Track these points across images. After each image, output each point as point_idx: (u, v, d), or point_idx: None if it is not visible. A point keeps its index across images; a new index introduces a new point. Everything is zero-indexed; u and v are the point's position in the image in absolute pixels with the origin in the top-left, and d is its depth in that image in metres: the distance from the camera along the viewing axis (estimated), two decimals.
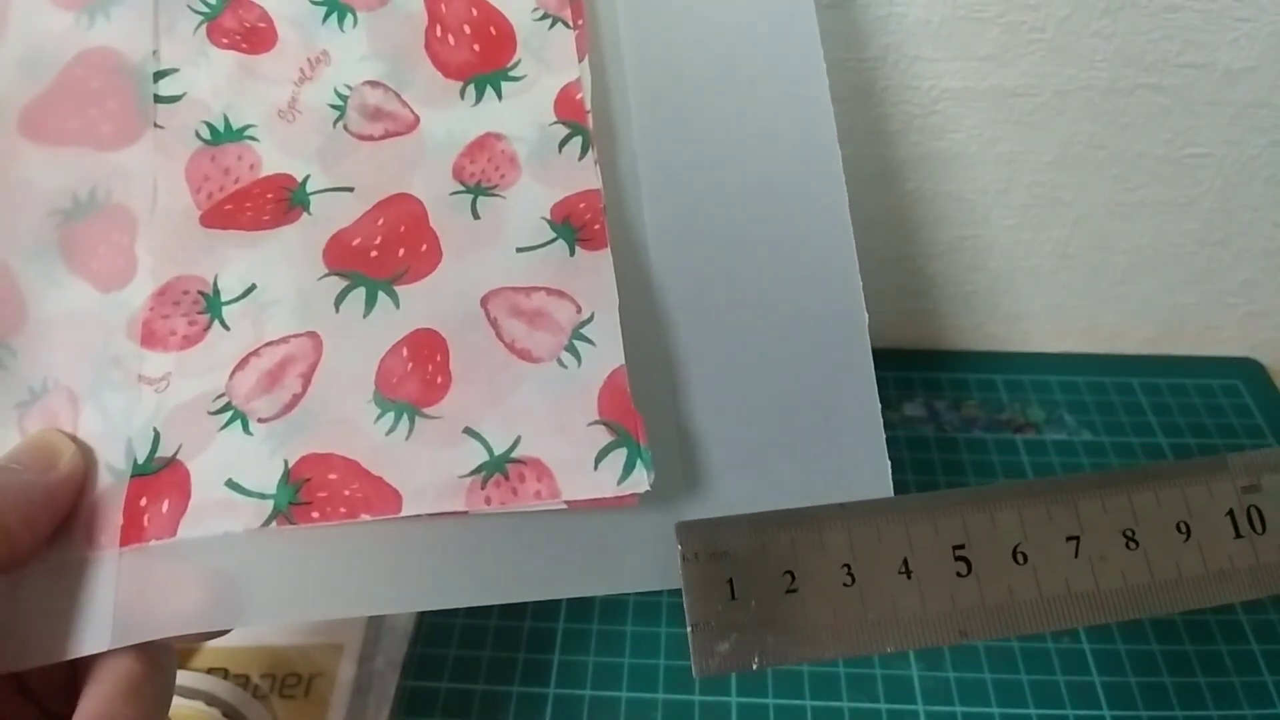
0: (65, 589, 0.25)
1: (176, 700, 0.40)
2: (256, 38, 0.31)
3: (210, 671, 0.40)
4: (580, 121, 0.31)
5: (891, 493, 0.28)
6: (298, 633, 0.42)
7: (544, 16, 0.32)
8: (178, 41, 0.30)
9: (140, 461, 0.26)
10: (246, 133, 0.30)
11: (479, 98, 0.31)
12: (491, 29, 0.32)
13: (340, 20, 0.31)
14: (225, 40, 0.31)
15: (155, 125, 0.30)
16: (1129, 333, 0.59)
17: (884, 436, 0.28)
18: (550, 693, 0.41)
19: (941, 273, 0.56)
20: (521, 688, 0.41)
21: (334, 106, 0.31)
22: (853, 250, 0.31)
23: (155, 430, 0.26)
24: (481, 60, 0.32)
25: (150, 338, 0.27)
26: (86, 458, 0.26)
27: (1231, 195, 0.51)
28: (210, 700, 0.39)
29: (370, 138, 0.30)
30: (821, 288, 0.30)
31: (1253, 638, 0.42)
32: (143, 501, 0.25)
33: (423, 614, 0.44)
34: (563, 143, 0.30)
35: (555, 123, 0.31)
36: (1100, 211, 0.52)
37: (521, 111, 0.31)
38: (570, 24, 0.32)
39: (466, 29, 0.32)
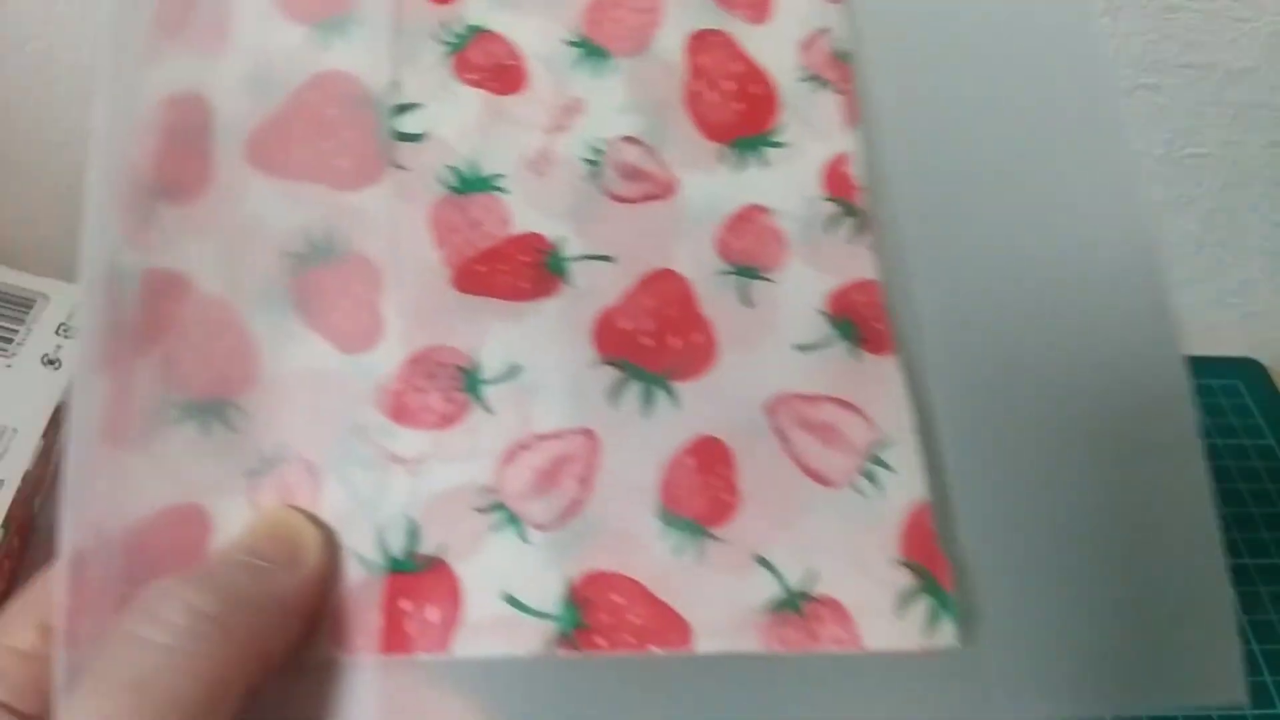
0: (312, 692, 0.21)
1: None
2: (506, 76, 0.27)
3: None
4: (851, 200, 0.27)
5: (1246, 700, 0.23)
6: None
7: (810, 78, 0.29)
8: (420, 72, 0.27)
9: (397, 556, 0.23)
10: (495, 182, 0.26)
11: (741, 163, 0.28)
12: (754, 87, 0.29)
13: (596, 64, 0.28)
14: (472, 76, 0.27)
15: (396, 165, 0.26)
16: None
17: (1235, 620, 0.23)
18: None
19: None
20: None
21: (589, 161, 0.27)
22: (1180, 356, 0.25)
23: (411, 520, 0.23)
24: (743, 121, 0.28)
25: (402, 412, 0.24)
26: (333, 546, 0.23)
27: (1231, 196, 0.51)
28: None
29: (628, 200, 0.27)
30: (1142, 400, 0.25)
31: (1253, 638, 0.42)
32: (405, 604, 0.22)
33: None
34: (833, 222, 0.27)
35: (824, 198, 0.28)
36: None
37: (787, 182, 0.28)
38: (837, 88, 0.29)
39: (728, 85, 0.28)
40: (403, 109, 0.26)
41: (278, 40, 0.26)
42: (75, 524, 0.20)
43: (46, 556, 0.22)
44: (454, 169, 0.26)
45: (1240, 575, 0.41)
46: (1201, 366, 0.55)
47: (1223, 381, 0.55)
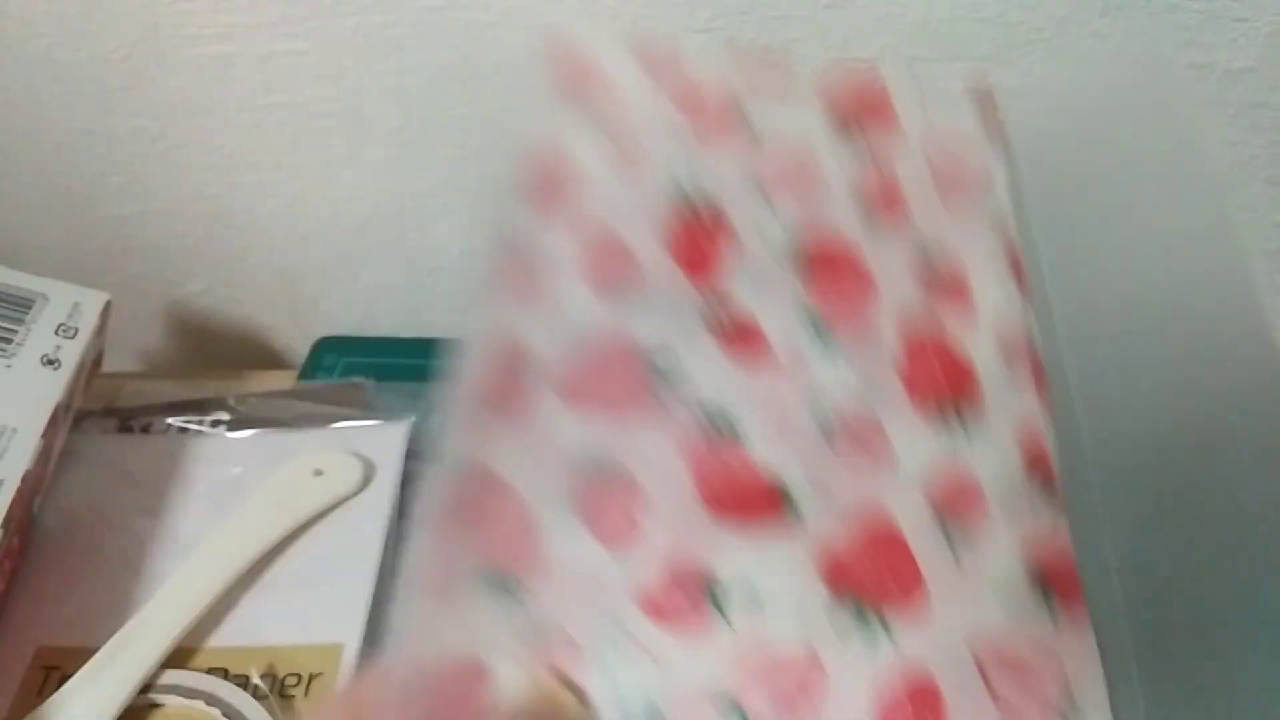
0: None
1: (176, 700, 0.40)
2: (750, 344, 0.34)
3: (210, 672, 0.40)
4: (1045, 471, 0.32)
5: None
6: (298, 632, 0.42)
7: (1006, 359, 0.34)
8: (681, 334, 0.33)
9: None
10: (739, 429, 0.32)
11: (946, 427, 0.32)
12: (959, 365, 0.34)
13: (822, 338, 0.34)
14: (723, 341, 0.34)
15: (662, 406, 0.32)
16: None
17: None
18: None
19: None
20: None
21: (817, 418, 0.32)
22: None
23: (658, 711, 0.27)
24: (950, 393, 0.33)
25: (656, 612, 0.28)
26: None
27: (1230, 196, 0.51)
28: (210, 700, 0.39)
29: (849, 455, 0.32)
30: None
31: None
32: None
33: None
34: (1029, 488, 0.31)
35: (1021, 466, 0.32)
36: None
37: (988, 449, 0.32)
38: (1029, 369, 0.34)
39: (936, 362, 0.34)
40: (669, 364, 0.32)
41: (578, 299, 0.33)
42: (397, 653, 0.26)
43: (46, 556, 0.23)
44: (708, 414, 0.32)
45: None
46: None
47: None
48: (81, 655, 0.40)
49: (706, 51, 0.40)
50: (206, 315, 0.63)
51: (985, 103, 0.40)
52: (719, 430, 0.32)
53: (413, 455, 0.50)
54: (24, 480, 0.41)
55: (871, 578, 0.29)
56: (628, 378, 0.32)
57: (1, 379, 0.44)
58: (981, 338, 0.34)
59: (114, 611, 0.42)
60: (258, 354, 0.65)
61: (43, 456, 0.43)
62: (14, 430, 0.42)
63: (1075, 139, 0.36)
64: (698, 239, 0.36)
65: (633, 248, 0.35)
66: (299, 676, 0.41)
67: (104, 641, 0.40)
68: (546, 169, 0.36)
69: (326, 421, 0.52)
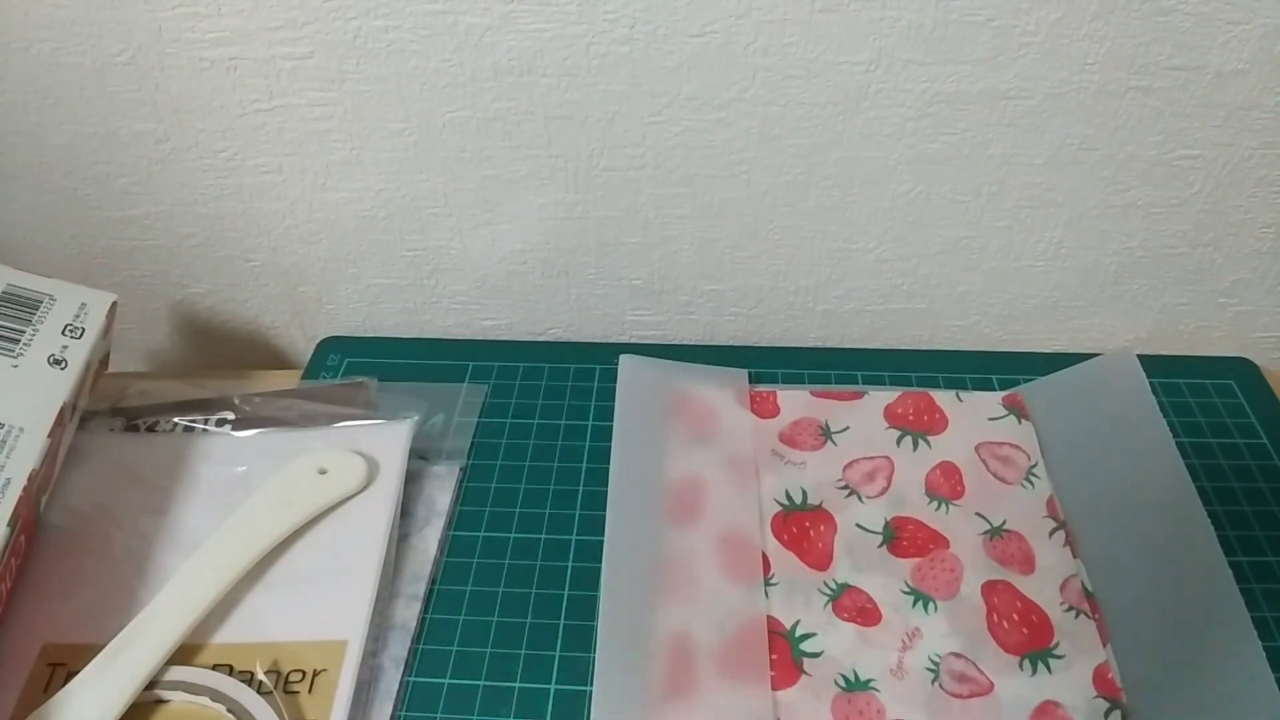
0: None
1: (181, 696, 0.40)
2: (867, 615, 0.43)
3: (215, 668, 0.41)
4: (1115, 697, 0.40)
5: None
6: (302, 629, 0.43)
7: (1070, 609, 0.43)
8: (813, 613, 0.43)
9: None
10: (870, 684, 0.41)
11: (1034, 670, 0.41)
12: (1034, 617, 0.43)
13: (925, 606, 0.43)
14: (846, 615, 0.43)
15: (805, 673, 0.41)
16: (1122, 333, 0.59)
17: None
18: (551, 689, 0.42)
19: (936, 273, 0.56)
20: (523, 684, 0.42)
21: (929, 670, 0.41)
22: None
23: None
24: (1030, 640, 0.42)
25: None
26: None
27: (1222, 197, 0.52)
28: (215, 696, 0.40)
29: (960, 696, 0.40)
30: None
31: None
32: None
33: (426, 611, 0.45)
34: (1105, 715, 0.40)
35: (1097, 697, 0.40)
36: (1092, 213, 0.53)
37: (1069, 684, 0.40)
38: (1090, 615, 0.43)
39: (1015, 616, 0.43)
40: (804, 637, 0.43)
41: (729, 596, 0.44)
42: None
43: (52, 554, 0.22)
44: (843, 675, 0.41)
45: (1235, 572, 0.42)
46: (1195, 366, 0.56)
47: (1216, 381, 0.56)
48: (87, 652, 0.40)
49: (795, 393, 0.54)
50: (211, 316, 0.63)
51: (1017, 408, 0.52)
52: (852, 687, 0.40)
53: (415, 454, 0.51)
54: (30, 479, 0.42)
55: None
56: (772, 651, 0.42)
57: (9, 379, 0.44)
58: (1048, 593, 0.44)
59: (119, 609, 0.43)
60: (262, 354, 0.65)
61: (49, 455, 0.44)
62: (21, 429, 0.43)
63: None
64: (808, 532, 0.46)
65: (758, 544, 0.46)
66: (303, 672, 0.41)
67: (110, 638, 0.40)
68: (681, 491, 0.47)
69: (330, 421, 0.52)
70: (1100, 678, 0.41)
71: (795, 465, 0.50)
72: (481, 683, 0.42)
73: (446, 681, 0.42)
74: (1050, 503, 0.48)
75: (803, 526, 0.47)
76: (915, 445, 0.51)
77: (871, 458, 0.50)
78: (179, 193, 0.55)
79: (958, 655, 0.42)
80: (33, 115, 0.52)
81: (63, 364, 0.46)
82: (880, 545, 0.46)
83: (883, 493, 0.48)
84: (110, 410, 0.53)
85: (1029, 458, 0.50)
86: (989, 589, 0.44)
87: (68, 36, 0.48)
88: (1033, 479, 0.49)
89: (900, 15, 0.45)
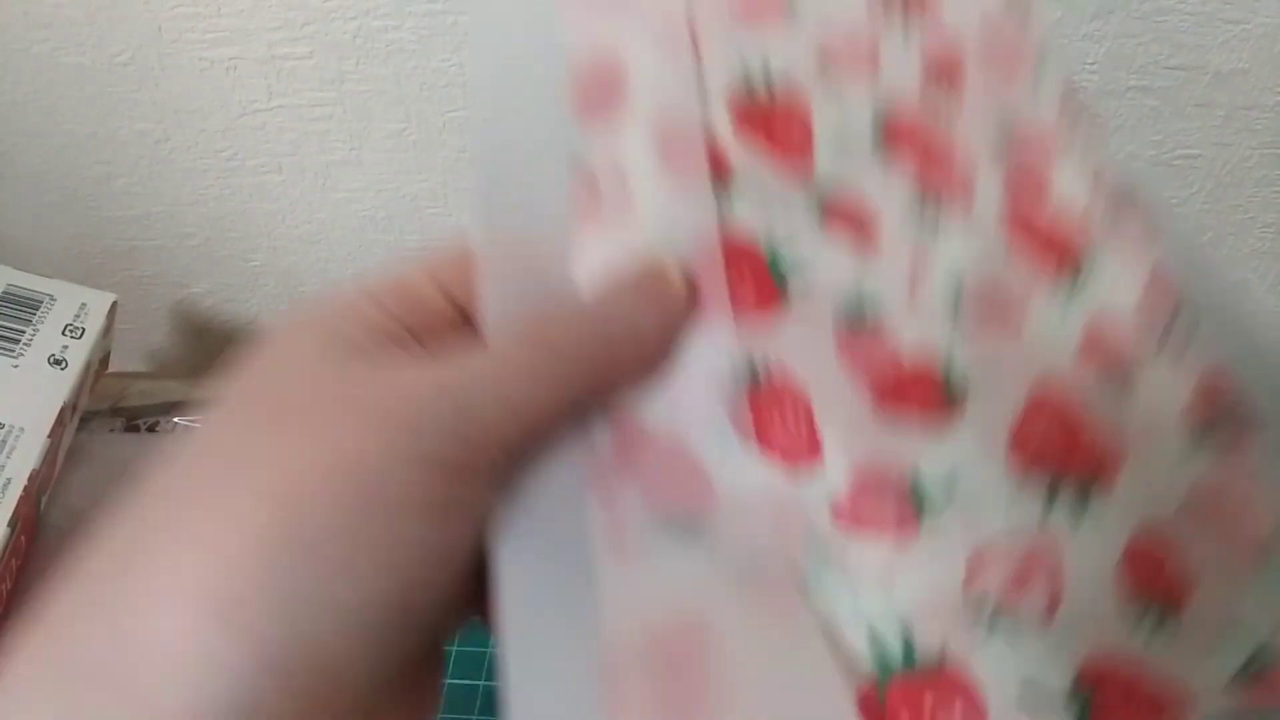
0: None
1: None
2: (859, 226, 0.31)
3: None
4: (1170, 299, 0.30)
5: None
6: None
7: (1106, 206, 0.32)
8: (792, 225, 0.30)
9: (896, 663, 0.24)
10: (881, 315, 0.29)
11: (1072, 281, 0.31)
12: (1059, 216, 0.32)
13: (931, 213, 0.32)
14: (833, 226, 0.30)
15: (790, 295, 0.28)
16: None
17: None
18: None
19: None
20: None
21: (950, 293, 0.30)
22: None
23: (899, 627, 0.25)
24: (1063, 247, 0.32)
25: (859, 527, 0.25)
26: (695, 289, 0.26)
27: (1222, 197, 0.52)
28: None
29: (991, 324, 0.29)
30: None
31: None
32: (928, 700, 0.24)
33: None
34: (1161, 320, 0.30)
35: (1151, 304, 0.30)
36: None
37: (1116, 292, 0.31)
38: (1130, 213, 0.32)
39: (1038, 217, 0.32)
40: (786, 245, 0.29)
41: (674, 202, 0.28)
42: (605, 638, 0.22)
43: (52, 554, 0.22)
44: (845, 304, 0.28)
45: None
46: None
47: None
48: None
49: None
50: (211, 315, 0.63)
51: None
52: (861, 319, 0.28)
53: None
54: (31, 479, 0.42)
55: (1056, 450, 0.27)
56: (745, 277, 0.28)
57: (9, 379, 0.44)
58: (1072, 181, 0.32)
59: None
60: None
61: (49, 456, 0.44)
62: (21, 429, 0.43)
63: None
64: (779, 123, 0.32)
65: (710, 139, 0.30)
66: None
67: None
68: (594, 78, 0.31)
69: None
70: (1151, 279, 0.31)
71: (751, 38, 0.34)
72: (481, 683, 0.42)
73: (446, 681, 0.42)
74: (1067, 85, 0.35)
75: (768, 117, 0.33)
76: (897, 16, 0.35)
77: (850, 32, 0.35)
78: (179, 193, 0.55)
79: (981, 274, 0.31)
80: (32, 115, 0.52)
81: (63, 364, 0.46)
82: (866, 136, 0.34)
83: (865, 74, 0.34)
84: (111, 410, 0.53)
85: (1041, 36, 0.36)
86: (1005, 187, 0.33)
87: (68, 36, 0.48)
88: (1046, 59, 0.35)
89: None
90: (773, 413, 0.26)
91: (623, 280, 0.25)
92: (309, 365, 0.20)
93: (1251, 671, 0.24)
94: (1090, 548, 0.26)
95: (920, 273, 0.30)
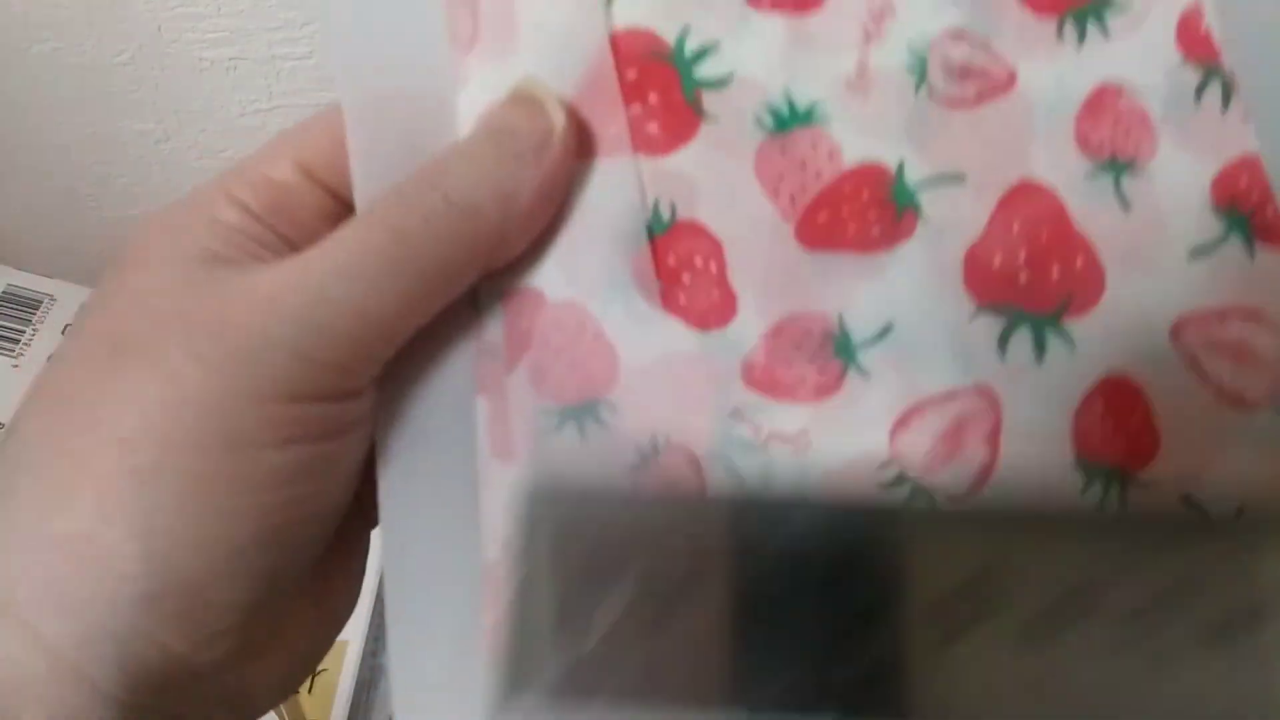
0: None
1: None
2: None
3: None
4: (1213, 60, 0.24)
5: None
6: None
7: None
8: (711, 9, 0.24)
9: None
10: (815, 113, 0.24)
11: (1081, 37, 0.24)
12: None
13: None
14: (767, 1, 0.24)
15: (706, 117, 0.23)
16: None
17: None
18: None
19: None
20: None
21: (912, 69, 0.24)
22: None
23: (808, 496, 0.22)
24: None
25: (775, 386, 0.22)
26: (578, 122, 0.22)
27: None
28: None
29: (963, 103, 0.24)
30: None
31: None
32: None
33: None
34: (1199, 90, 0.24)
35: (1184, 64, 0.24)
36: None
37: (1138, 51, 0.24)
38: None
39: None
40: (701, 54, 0.24)
41: (560, 11, 0.24)
42: (487, 539, 0.21)
43: None
44: (768, 107, 0.24)
45: None
46: None
47: None
48: None
49: None
50: None
51: None
52: (785, 124, 0.24)
53: None
54: None
55: (1029, 273, 0.23)
56: (648, 93, 0.23)
57: (9, 379, 0.44)
58: None
59: None
60: None
61: None
62: None
63: None
64: None
65: None
66: None
67: None
68: None
69: None
70: (1188, 32, 0.25)
71: None
72: None
73: None
74: None
75: None
76: None
77: None
78: (179, 192, 0.55)
79: (958, 35, 0.24)
80: (32, 115, 0.52)
81: None
82: None
83: None
84: None
85: None
86: None
87: (68, 36, 0.48)
88: None
89: None
90: (680, 265, 0.23)
91: (488, 127, 0.21)
92: (157, 285, 0.19)
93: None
94: (1043, 399, 0.22)
95: (876, 41, 0.24)
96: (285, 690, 0.21)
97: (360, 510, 0.21)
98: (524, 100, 0.21)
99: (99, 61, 0.49)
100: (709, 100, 0.23)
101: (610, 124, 0.23)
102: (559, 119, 0.21)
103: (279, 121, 0.51)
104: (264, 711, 0.21)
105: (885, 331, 0.23)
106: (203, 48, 0.48)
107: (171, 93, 0.50)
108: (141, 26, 0.48)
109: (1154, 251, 0.23)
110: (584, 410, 0.22)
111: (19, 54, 0.49)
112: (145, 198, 0.56)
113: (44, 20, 0.48)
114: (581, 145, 0.23)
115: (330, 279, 0.19)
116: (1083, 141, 0.24)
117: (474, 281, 0.21)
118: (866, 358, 0.23)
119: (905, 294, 0.23)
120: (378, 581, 0.44)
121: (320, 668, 0.41)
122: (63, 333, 0.47)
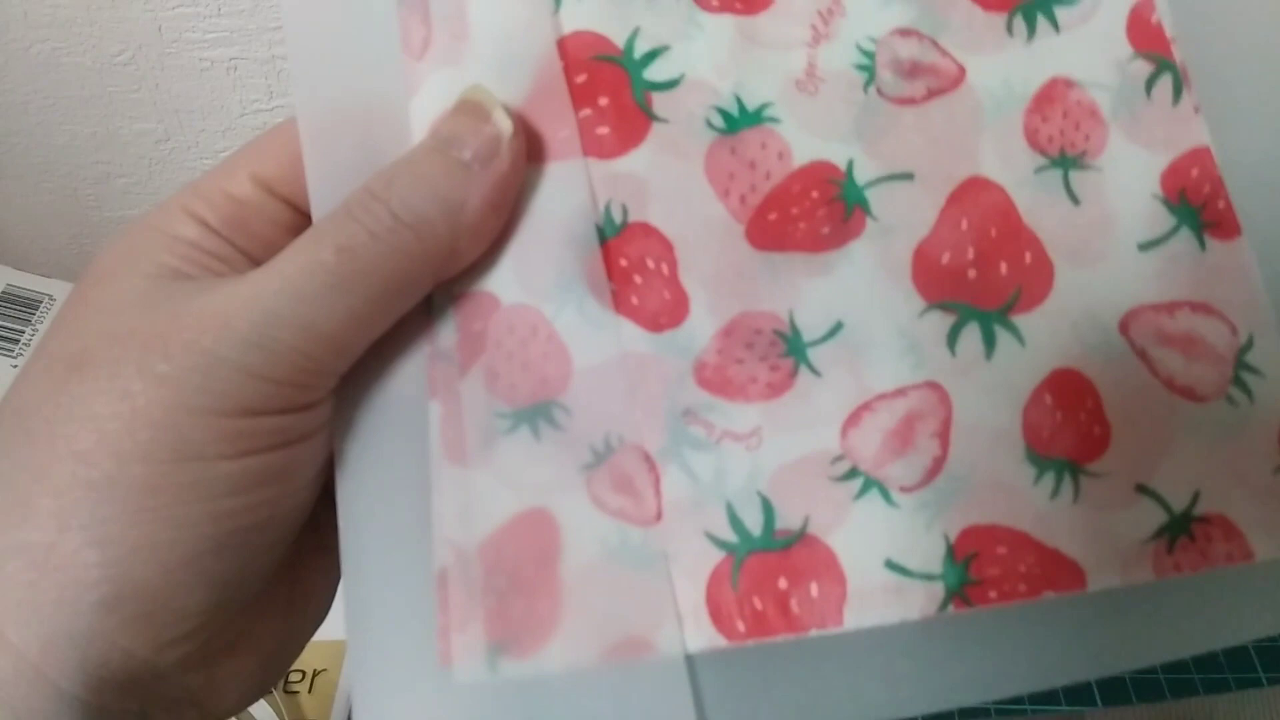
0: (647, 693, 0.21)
1: None
2: None
3: None
4: (1163, 53, 0.24)
5: None
6: None
7: None
8: (660, 12, 0.24)
9: (756, 535, 0.22)
10: (764, 113, 0.24)
11: (1031, 31, 0.24)
12: None
13: None
14: (716, 2, 0.24)
15: (657, 119, 0.23)
16: None
17: None
18: None
19: None
20: None
21: (861, 67, 0.24)
22: None
23: (764, 497, 0.22)
24: None
25: (727, 386, 0.22)
26: (524, 133, 0.22)
27: None
28: None
29: (911, 101, 0.24)
30: None
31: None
32: (782, 583, 0.21)
33: None
34: (1149, 83, 0.24)
35: (1134, 57, 0.24)
36: None
37: (1088, 45, 0.24)
38: None
39: None
40: (651, 56, 0.24)
41: (510, 16, 0.23)
42: (438, 543, 0.21)
43: None
44: (717, 108, 0.24)
45: None
46: None
47: None
48: None
49: None
50: None
51: None
52: (736, 124, 0.23)
53: None
54: None
55: (978, 269, 0.23)
56: (598, 96, 0.23)
57: (9, 379, 0.44)
58: None
59: None
60: None
61: None
62: None
63: None
64: None
65: None
66: (303, 673, 0.41)
67: None
68: None
69: None
70: (1138, 25, 0.24)
71: None
72: None
73: None
74: None
75: None
76: None
77: None
78: None
79: (906, 32, 0.24)
80: (33, 115, 0.52)
81: None
82: None
83: None
84: None
85: None
86: None
87: (68, 36, 0.48)
88: None
89: None
90: (632, 267, 0.23)
91: (434, 137, 0.21)
92: (114, 304, 0.20)
93: (1160, 539, 0.22)
94: (992, 394, 0.22)
95: (825, 41, 0.24)
96: (259, 689, 0.21)
97: (332, 511, 0.21)
98: (470, 108, 0.21)
99: (99, 62, 0.49)
100: (659, 102, 0.23)
101: (560, 128, 0.23)
102: (506, 126, 0.21)
103: (279, 121, 0.51)
104: (238, 710, 0.21)
105: (835, 330, 0.23)
106: (203, 48, 0.48)
107: (171, 93, 0.50)
108: (141, 26, 0.48)
109: (1104, 245, 0.23)
110: (537, 411, 0.22)
111: (20, 54, 0.49)
112: (146, 197, 0.56)
113: (44, 20, 0.48)
114: (532, 149, 0.23)
115: (279, 298, 0.19)
116: (1032, 137, 0.24)
117: (427, 293, 0.21)
118: (817, 356, 0.23)
119: (855, 292, 0.23)
120: None
121: (320, 667, 0.41)
122: None
